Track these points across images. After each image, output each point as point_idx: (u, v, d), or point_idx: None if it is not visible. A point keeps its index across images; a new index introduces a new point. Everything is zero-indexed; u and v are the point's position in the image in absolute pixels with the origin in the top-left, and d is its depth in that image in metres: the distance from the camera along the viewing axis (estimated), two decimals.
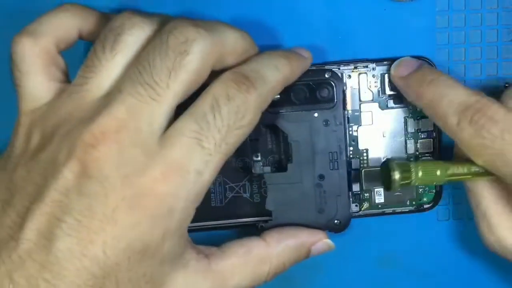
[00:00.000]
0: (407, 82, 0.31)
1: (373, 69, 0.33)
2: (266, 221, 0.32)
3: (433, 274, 0.35)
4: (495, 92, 0.34)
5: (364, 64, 0.33)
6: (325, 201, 0.32)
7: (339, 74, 0.32)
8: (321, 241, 0.31)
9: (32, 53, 0.27)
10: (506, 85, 0.34)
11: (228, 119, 0.25)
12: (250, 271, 0.29)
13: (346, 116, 0.32)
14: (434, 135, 0.33)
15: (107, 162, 0.24)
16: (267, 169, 0.32)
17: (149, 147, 0.24)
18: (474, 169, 0.29)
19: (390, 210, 0.34)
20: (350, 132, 0.33)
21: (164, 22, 0.27)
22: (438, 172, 0.30)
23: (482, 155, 0.28)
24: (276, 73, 0.27)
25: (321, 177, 0.31)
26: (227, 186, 0.33)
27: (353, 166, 0.33)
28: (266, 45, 0.32)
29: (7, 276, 0.23)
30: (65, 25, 0.28)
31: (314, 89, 0.31)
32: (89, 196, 0.24)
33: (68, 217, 0.24)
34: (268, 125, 0.32)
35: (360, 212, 0.34)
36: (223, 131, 0.25)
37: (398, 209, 0.34)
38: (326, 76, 0.31)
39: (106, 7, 0.32)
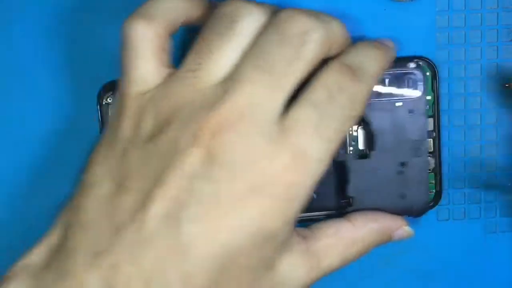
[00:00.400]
0: None
1: None
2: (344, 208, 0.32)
3: (433, 274, 0.35)
4: (495, 92, 0.34)
5: None
6: (405, 187, 0.32)
7: (426, 64, 0.32)
8: (402, 228, 0.31)
9: (146, 37, 0.26)
10: (506, 85, 0.34)
11: (344, 108, 0.26)
12: (340, 252, 0.29)
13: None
14: (434, 135, 0.33)
15: (234, 148, 0.24)
16: (349, 156, 0.33)
17: (272, 135, 0.24)
18: None
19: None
20: (350, 132, 0.33)
21: (275, 11, 0.26)
22: None
23: None
24: (376, 65, 0.28)
25: (403, 164, 0.32)
26: None
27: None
28: None
29: (132, 260, 0.23)
30: (176, 8, 0.27)
31: (400, 79, 0.32)
32: (216, 181, 0.24)
33: (194, 202, 0.24)
34: None
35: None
36: (340, 120, 0.26)
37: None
38: (411, 66, 0.32)
39: None
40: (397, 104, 0.32)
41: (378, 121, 0.32)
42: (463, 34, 0.33)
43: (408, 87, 0.32)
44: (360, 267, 0.35)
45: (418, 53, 0.33)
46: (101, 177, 0.26)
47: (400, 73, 0.32)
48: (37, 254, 0.26)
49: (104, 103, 0.33)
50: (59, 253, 0.25)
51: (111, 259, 0.23)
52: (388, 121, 0.32)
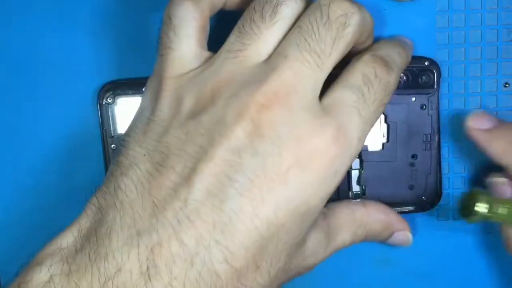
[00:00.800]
0: (489, 136, 0.31)
1: None
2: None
3: (433, 274, 0.35)
4: (495, 92, 0.34)
5: None
6: (415, 179, 0.33)
7: (437, 63, 0.33)
8: (404, 231, 0.32)
9: (192, 16, 0.27)
10: (506, 85, 0.34)
11: (379, 94, 0.27)
12: (351, 231, 0.31)
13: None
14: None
15: (280, 123, 0.24)
16: (363, 147, 0.33)
17: (316, 112, 0.25)
18: None
19: None
20: None
21: None
22: None
23: None
24: (401, 60, 0.29)
25: (414, 156, 0.33)
26: None
27: (353, 167, 0.33)
28: None
29: (175, 238, 0.23)
30: None
31: (415, 75, 0.33)
32: (262, 155, 0.24)
33: (240, 176, 0.24)
34: None
35: None
36: (375, 104, 0.27)
37: (398, 209, 0.34)
38: (426, 64, 0.33)
39: None
40: (412, 99, 0.33)
41: (393, 114, 0.33)
42: (463, 34, 0.33)
43: (423, 83, 0.33)
44: (360, 267, 0.35)
45: (418, 53, 0.33)
46: (140, 158, 0.25)
47: (417, 70, 0.33)
48: (69, 238, 0.25)
49: (104, 103, 0.33)
50: (93, 235, 0.24)
51: (153, 238, 0.23)
52: (402, 115, 0.33)
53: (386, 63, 0.28)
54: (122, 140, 0.27)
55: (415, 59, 0.33)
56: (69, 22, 0.33)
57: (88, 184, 0.30)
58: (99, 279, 0.23)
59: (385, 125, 0.33)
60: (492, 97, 0.34)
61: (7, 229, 0.34)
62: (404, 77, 0.33)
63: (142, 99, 0.28)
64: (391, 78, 0.28)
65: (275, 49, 0.26)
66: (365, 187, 0.33)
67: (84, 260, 0.23)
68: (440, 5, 0.33)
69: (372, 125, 0.27)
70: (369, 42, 0.30)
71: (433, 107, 0.33)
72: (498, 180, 0.31)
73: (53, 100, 0.34)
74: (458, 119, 0.34)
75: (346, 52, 0.27)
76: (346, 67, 0.28)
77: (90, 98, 0.33)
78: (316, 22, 0.26)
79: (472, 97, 0.34)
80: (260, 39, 0.26)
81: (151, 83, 0.28)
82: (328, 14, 0.26)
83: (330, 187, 0.26)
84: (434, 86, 0.33)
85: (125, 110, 0.33)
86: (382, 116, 0.33)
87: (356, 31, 0.27)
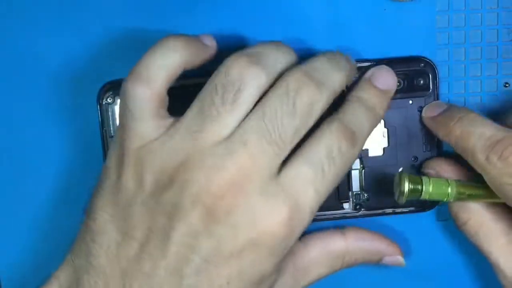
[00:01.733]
0: (436, 121, 0.32)
1: None
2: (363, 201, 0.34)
3: (433, 274, 0.35)
4: (495, 92, 0.34)
5: (364, 64, 0.33)
6: None
7: (433, 64, 0.33)
8: (394, 256, 0.33)
9: (145, 99, 0.27)
10: (506, 85, 0.34)
11: (339, 170, 0.27)
12: (327, 264, 0.32)
13: None
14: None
15: (234, 210, 0.26)
16: (364, 152, 0.34)
17: (271, 192, 0.26)
18: (484, 192, 0.30)
19: (390, 210, 0.34)
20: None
21: (280, 72, 0.28)
22: (449, 189, 0.30)
23: (509, 191, 0.28)
24: (370, 127, 0.29)
25: (415, 158, 0.33)
26: None
27: (353, 167, 0.33)
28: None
29: None
30: (174, 65, 0.28)
31: (411, 78, 0.33)
32: (217, 238, 0.26)
33: (196, 256, 0.26)
34: None
35: (360, 212, 0.34)
36: (334, 178, 0.27)
37: (398, 209, 0.34)
38: (421, 65, 0.33)
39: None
40: (409, 102, 0.33)
41: (392, 118, 0.33)
42: (463, 34, 0.33)
43: (419, 85, 0.33)
44: (360, 267, 0.35)
45: (418, 53, 0.33)
46: (108, 225, 0.27)
47: (412, 72, 0.33)
48: None
49: (104, 103, 0.33)
50: None
51: None
52: (400, 118, 0.33)
53: (353, 135, 0.28)
54: (90, 201, 0.29)
55: (411, 60, 0.33)
56: (69, 22, 0.33)
57: (88, 184, 0.30)
58: None
59: (385, 129, 0.33)
60: (492, 97, 0.34)
61: (6, 230, 0.34)
62: (400, 81, 0.32)
63: (107, 158, 0.29)
64: (355, 151, 0.28)
65: (236, 128, 0.27)
66: (368, 195, 0.34)
67: None
68: (440, 5, 0.33)
69: (328, 193, 0.28)
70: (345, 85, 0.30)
71: None
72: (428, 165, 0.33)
73: (53, 100, 0.34)
74: None
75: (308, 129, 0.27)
76: (313, 134, 0.28)
77: (90, 98, 0.33)
78: (282, 109, 0.26)
79: (472, 97, 0.34)
80: (221, 122, 0.27)
81: (114, 145, 0.29)
82: (294, 102, 0.27)
83: (282, 256, 0.27)
84: (430, 88, 0.33)
85: None
86: (382, 121, 0.33)
87: (319, 114, 0.27)
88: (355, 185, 0.34)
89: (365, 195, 0.34)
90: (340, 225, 0.33)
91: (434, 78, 0.33)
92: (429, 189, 0.30)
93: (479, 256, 0.32)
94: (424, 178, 0.30)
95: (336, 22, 0.33)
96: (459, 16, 0.33)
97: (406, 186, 0.30)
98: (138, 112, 0.28)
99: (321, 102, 0.27)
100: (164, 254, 0.26)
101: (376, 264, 0.33)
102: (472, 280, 0.35)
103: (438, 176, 0.31)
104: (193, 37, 0.29)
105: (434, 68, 0.33)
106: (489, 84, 0.34)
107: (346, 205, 0.34)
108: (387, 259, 0.33)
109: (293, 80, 0.27)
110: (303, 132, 0.27)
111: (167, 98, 0.28)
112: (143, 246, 0.26)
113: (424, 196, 0.30)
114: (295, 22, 0.33)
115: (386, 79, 0.31)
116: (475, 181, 0.31)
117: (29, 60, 0.33)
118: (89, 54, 0.33)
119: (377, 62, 0.32)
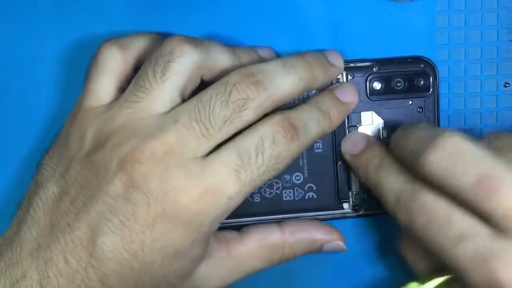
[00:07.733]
0: (357, 162, 0.32)
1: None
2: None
3: None
4: (494, 92, 0.34)
5: (364, 64, 0.33)
6: None
7: (433, 65, 0.33)
8: (334, 242, 0.33)
9: (115, 60, 0.30)
10: (506, 85, 0.34)
11: (269, 161, 0.28)
12: (263, 256, 0.32)
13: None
14: None
15: (151, 178, 0.27)
16: None
17: (191, 170, 0.27)
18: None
19: None
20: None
21: (218, 62, 0.29)
22: None
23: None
24: (318, 128, 0.30)
25: None
26: None
27: None
28: (266, 46, 0.33)
29: (62, 256, 0.27)
30: (146, 47, 0.31)
31: (411, 79, 0.33)
32: (134, 203, 0.27)
33: (114, 218, 0.27)
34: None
35: (360, 212, 0.34)
36: (261, 170, 0.28)
37: None
38: (421, 66, 0.33)
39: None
40: (409, 102, 0.33)
41: (391, 118, 0.33)
42: (463, 34, 0.33)
43: (419, 86, 0.33)
44: (360, 266, 0.35)
45: (418, 53, 0.33)
46: (49, 180, 0.29)
47: (412, 73, 0.33)
48: None
49: None
50: (12, 244, 0.29)
51: (47, 253, 0.28)
52: (400, 119, 0.33)
53: (293, 129, 0.28)
54: (42, 156, 0.31)
55: (411, 61, 0.33)
56: (69, 21, 0.33)
57: None
58: (9, 281, 0.28)
59: (385, 130, 0.33)
60: (492, 97, 0.34)
61: (6, 228, 0.34)
62: (400, 81, 0.33)
63: (65, 123, 0.31)
64: (292, 147, 0.28)
65: (178, 104, 0.28)
66: (368, 195, 0.33)
67: (1, 265, 0.28)
68: (440, 5, 0.33)
69: (255, 187, 0.28)
70: (318, 85, 0.30)
71: (430, 110, 0.33)
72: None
73: (53, 100, 0.34)
74: (458, 119, 0.34)
75: (248, 125, 0.28)
76: (253, 125, 0.28)
77: None
78: (216, 97, 0.28)
79: (472, 97, 0.34)
80: (152, 94, 0.28)
81: (76, 104, 0.31)
82: (230, 94, 0.28)
83: (196, 235, 0.28)
84: (430, 89, 0.33)
85: None
86: (381, 121, 0.33)
87: (256, 112, 0.28)
88: (355, 185, 0.34)
89: (365, 195, 0.34)
90: (340, 225, 0.34)
91: (434, 78, 0.33)
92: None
93: None
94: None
95: (336, 22, 0.33)
96: (459, 16, 0.33)
97: None
98: (105, 68, 0.30)
99: (256, 101, 0.28)
100: (88, 210, 0.27)
101: (319, 253, 0.33)
102: None
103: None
104: (161, 38, 0.31)
105: (434, 69, 0.33)
106: (489, 84, 0.34)
107: (345, 205, 0.34)
108: (327, 246, 0.33)
109: (234, 76, 0.28)
110: (236, 124, 0.28)
111: (131, 76, 0.30)
112: (73, 202, 0.28)
113: None
114: (295, 22, 0.33)
115: (348, 93, 0.32)
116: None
117: (29, 59, 0.33)
118: (89, 54, 0.33)
119: (377, 62, 0.33)
